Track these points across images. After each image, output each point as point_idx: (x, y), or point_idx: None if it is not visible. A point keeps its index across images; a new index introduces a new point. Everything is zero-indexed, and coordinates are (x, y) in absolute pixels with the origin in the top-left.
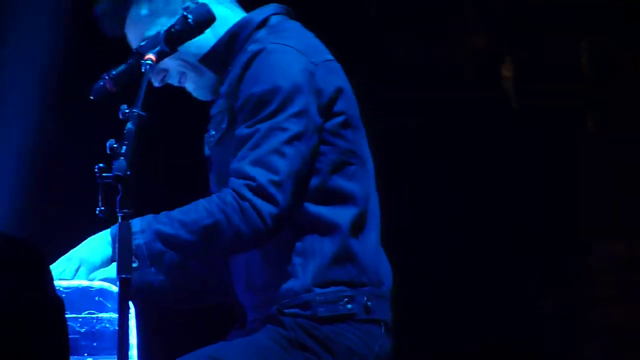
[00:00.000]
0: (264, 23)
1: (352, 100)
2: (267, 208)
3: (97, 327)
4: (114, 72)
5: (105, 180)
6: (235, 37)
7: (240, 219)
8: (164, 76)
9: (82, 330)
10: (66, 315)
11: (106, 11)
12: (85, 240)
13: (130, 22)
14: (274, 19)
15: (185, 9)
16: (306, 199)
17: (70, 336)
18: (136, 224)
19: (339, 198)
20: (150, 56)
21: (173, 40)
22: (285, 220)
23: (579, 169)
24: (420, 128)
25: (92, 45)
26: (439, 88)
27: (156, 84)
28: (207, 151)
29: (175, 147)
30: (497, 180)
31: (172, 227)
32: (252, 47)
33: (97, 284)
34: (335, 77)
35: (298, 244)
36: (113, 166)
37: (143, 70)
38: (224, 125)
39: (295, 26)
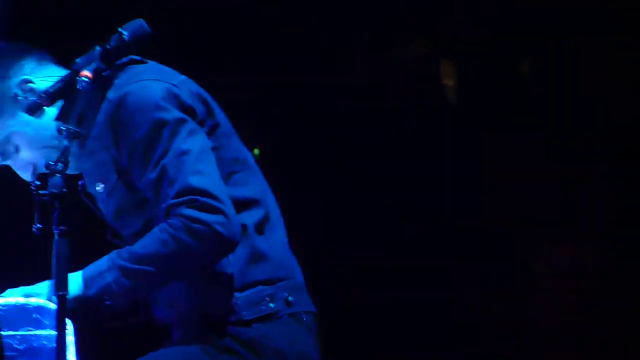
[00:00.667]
0: (95, 75)
1: (218, 108)
2: (214, 219)
3: (35, 344)
4: (50, 90)
5: (42, 198)
6: (70, 93)
7: (192, 239)
8: (34, 169)
9: (21, 347)
10: (3, 333)
11: None
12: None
13: None
14: (102, 67)
15: (121, 26)
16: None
17: (8, 353)
18: (103, 263)
19: (238, 205)
20: (86, 73)
21: (109, 56)
22: (235, 224)
23: (520, 172)
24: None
25: None
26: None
27: (29, 179)
28: (98, 203)
29: None
30: (434, 183)
31: (133, 262)
32: (111, 96)
33: (34, 300)
34: (197, 92)
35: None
36: (49, 183)
37: (79, 87)
38: (114, 177)
39: (138, 61)
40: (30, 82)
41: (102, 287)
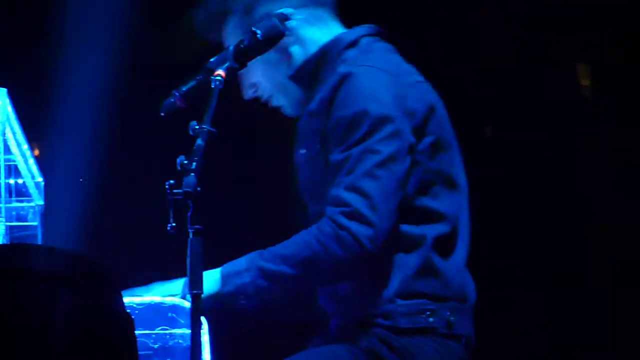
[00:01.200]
0: (354, 43)
1: (445, 120)
2: (363, 231)
3: (170, 343)
4: (183, 89)
5: (176, 197)
6: (325, 55)
7: (339, 247)
8: (255, 90)
9: (155, 346)
10: (139, 332)
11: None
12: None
13: (229, 31)
14: (365, 40)
15: (255, 24)
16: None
17: (143, 352)
18: (241, 262)
19: (424, 216)
20: (220, 72)
21: (242, 55)
22: (384, 240)
23: None
24: None
25: (160, 60)
26: None
27: (247, 96)
28: (297, 167)
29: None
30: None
31: (275, 263)
32: (341, 69)
33: (169, 299)
34: (426, 97)
35: (383, 258)
36: (183, 182)
37: (213, 87)
38: (317, 146)
39: (385, 47)
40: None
41: (238, 286)
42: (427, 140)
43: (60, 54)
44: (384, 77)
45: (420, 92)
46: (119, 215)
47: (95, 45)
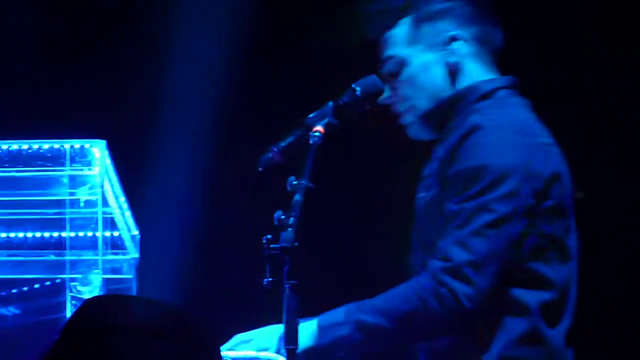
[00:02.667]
0: (490, 94)
1: (567, 187)
2: (462, 289)
3: None
4: (282, 144)
5: (273, 252)
6: (458, 101)
7: (438, 304)
8: (393, 98)
9: None
10: None
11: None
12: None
13: (395, 37)
14: (502, 93)
15: (355, 82)
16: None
17: None
18: (339, 314)
19: (534, 281)
20: (319, 128)
21: (341, 112)
22: (483, 301)
23: None
24: None
25: (256, 115)
26: None
27: (382, 99)
28: (416, 212)
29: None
30: None
31: (373, 315)
32: (472, 119)
33: (264, 354)
34: (552, 161)
35: (487, 317)
36: (280, 237)
37: (311, 142)
38: (433, 191)
39: (520, 103)
40: (460, 36)
41: (335, 339)
42: (547, 204)
43: (161, 106)
44: (512, 136)
45: (547, 155)
46: (214, 270)
47: (195, 99)
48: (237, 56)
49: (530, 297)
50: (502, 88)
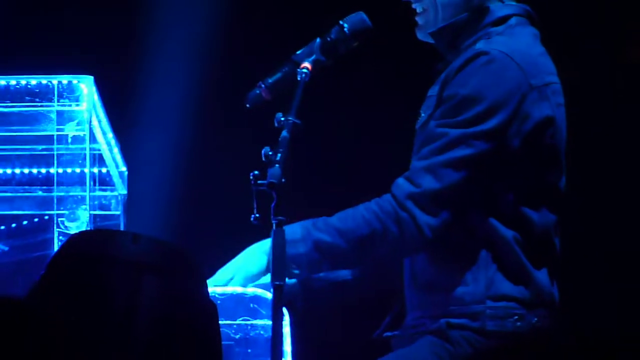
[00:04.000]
0: (503, 20)
1: (559, 132)
2: (425, 218)
3: (251, 334)
4: (269, 80)
5: (260, 188)
6: (472, 23)
7: (398, 229)
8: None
9: (237, 336)
10: (220, 322)
11: None
12: (244, 251)
13: None
14: (514, 20)
15: (342, 18)
16: (487, 214)
17: (225, 342)
18: (296, 231)
19: (520, 221)
20: (306, 65)
21: (329, 49)
22: (444, 231)
23: None
24: None
25: (246, 52)
26: None
27: None
28: (415, 132)
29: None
30: None
31: (330, 235)
32: (479, 45)
33: (251, 290)
34: (548, 105)
35: (471, 251)
36: (268, 173)
37: (299, 79)
38: (429, 111)
39: (530, 34)
40: None
41: (292, 256)
42: (535, 146)
43: (148, 43)
44: (514, 72)
45: (544, 96)
46: (201, 206)
47: (183, 36)
48: None
49: (517, 234)
50: (515, 15)
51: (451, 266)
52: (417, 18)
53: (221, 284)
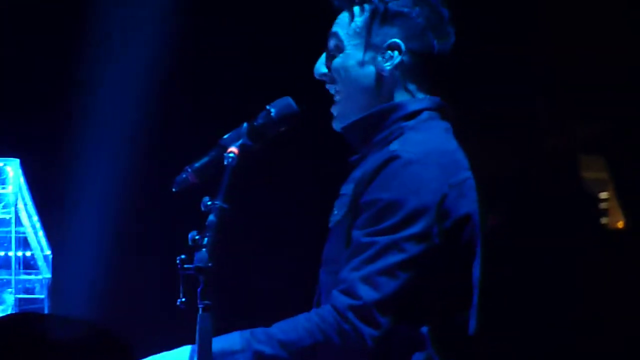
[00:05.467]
0: (415, 114)
1: (477, 226)
2: (368, 331)
3: None
4: (196, 165)
5: (187, 272)
6: (384, 117)
7: (340, 341)
8: (329, 79)
9: None
10: None
11: None
12: (171, 351)
13: (344, 18)
14: (426, 114)
15: (269, 103)
16: (417, 315)
17: None
18: (235, 342)
19: (437, 318)
20: (233, 149)
21: (256, 134)
22: (386, 340)
23: None
24: None
25: (170, 135)
26: None
27: (317, 74)
28: (330, 229)
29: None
30: None
31: (272, 347)
32: (392, 147)
33: None
34: (466, 201)
35: (403, 354)
36: (195, 257)
37: (225, 163)
38: (344, 210)
39: (442, 129)
40: (399, 47)
41: None
42: (456, 244)
43: (73, 126)
44: (434, 173)
45: (462, 193)
46: (128, 290)
47: (107, 121)
48: (153, 80)
49: (432, 332)
50: (427, 109)
51: None
52: (332, 109)
53: None
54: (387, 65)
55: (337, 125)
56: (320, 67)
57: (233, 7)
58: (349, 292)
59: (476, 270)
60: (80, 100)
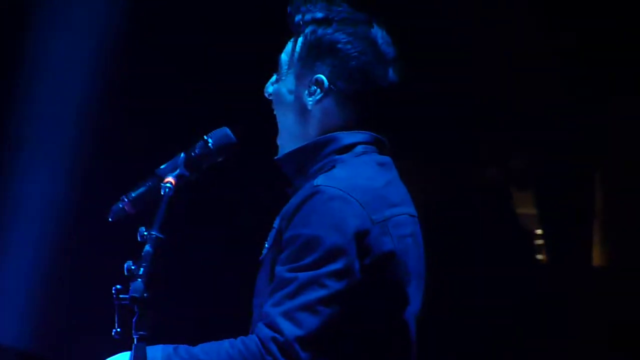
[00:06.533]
0: (349, 148)
1: (402, 263)
2: None
3: None
4: (133, 195)
5: (122, 302)
6: (316, 151)
7: None
8: (272, 102)
9: None
10: None
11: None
12: None
13: (290, 45)
14: (360, 148)
15: (207, 133)
16: (336, 352)
17: None
18: (156, 355)
19: (362, 356)
20: (170, 179)
21: (193, 164)
22: None
23: None
24: None
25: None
26: None
27: (266, 93)
28: (261, 260)
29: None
30: None
31: None
32: (317, 181)
33: None
34: (389, 240)
35: None
36: (130, 288)
37: (162, 193)
38: (269, 244)
39: (375, 163)
40: (322, 84)
41: None
42: (377, 283)
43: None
44: (355, 210)
45: (385, 231)
46: (63, 319)
47: (46, 140)
48: (92, 100)
49: None
50: (362, 143)
51: None
52: (277, 140)
53: None
54: (310, 100)
55: (278, 152)
56: (268, 87)
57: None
58: (271, 326)
59: (408, 307)
60: (21, 103)
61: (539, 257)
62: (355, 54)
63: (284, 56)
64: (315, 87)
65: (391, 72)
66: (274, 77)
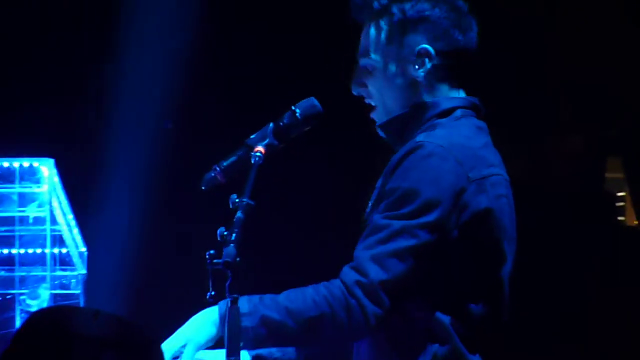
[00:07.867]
0: (449, 112)
1: (499, 222)
2: (373, 309)
3: None
4: (224, 164)
5: (215, 267)
6: (418, 115)
7: (346, 315)
8: (362, 91)
9: None
10: None
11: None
12: (191, 319)
13: (371, 35)
14: (459, 112)
15: (295, 104)
16: (427, 302)
17: None
18: (243, 305)
19: (458, 310)
20: (260, 148)
21: (281, 133)
22: (387, 319)
23: None
24: None
25: (201, 130)
26: None
27: (354, 91)
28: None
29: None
30: None
31: (279, 313)
32: (419, 138)
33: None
34: (486, 197)
35: (410, 337)
36: (223, 253)
37: (252, 162)
38: (371, 203)
39: (473, 126)
40: (429, 53)
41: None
42: (471, 240)
43: (106, 125)
44: (452, 166)
45: (481, 189)
46: (160, 285)
47: (139, 119)
48: (181, 78)
49: (455, 322)
50: (461, 107)
51: (392, 353)
52: (371, 115)
53: (171, 353)
54: (421, 72)
55: (379, 131)
56: (355, 85)
57: (256, 8)
58: (359, 269)
59: (504, 266)
60: (113, 100)
61: (620, 218)
62: (445, 14)
63: (370, 47)
64: (421, 59)
65: (474, 23)
66: (358, 72)
